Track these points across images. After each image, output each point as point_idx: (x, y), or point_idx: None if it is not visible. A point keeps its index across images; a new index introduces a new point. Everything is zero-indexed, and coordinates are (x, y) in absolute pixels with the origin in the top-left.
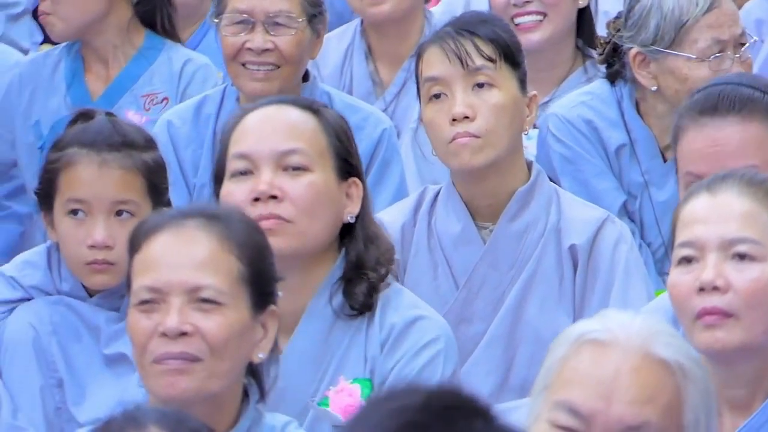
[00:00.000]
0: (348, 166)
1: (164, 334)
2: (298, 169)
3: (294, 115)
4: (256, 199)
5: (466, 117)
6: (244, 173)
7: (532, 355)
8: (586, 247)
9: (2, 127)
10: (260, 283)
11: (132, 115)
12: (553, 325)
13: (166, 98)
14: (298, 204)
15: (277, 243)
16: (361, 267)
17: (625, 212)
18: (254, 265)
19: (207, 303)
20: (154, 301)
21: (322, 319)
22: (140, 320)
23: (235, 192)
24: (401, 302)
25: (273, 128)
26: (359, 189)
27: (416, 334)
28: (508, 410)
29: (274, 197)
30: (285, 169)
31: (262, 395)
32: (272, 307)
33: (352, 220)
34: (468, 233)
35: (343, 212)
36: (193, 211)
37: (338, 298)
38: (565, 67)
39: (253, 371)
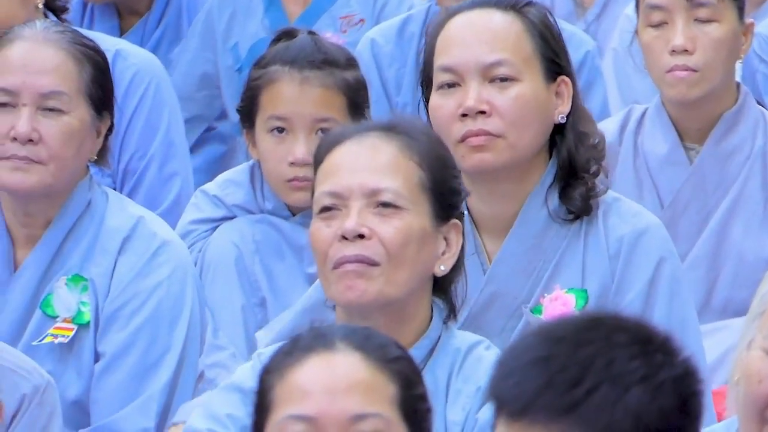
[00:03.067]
0: (556, 65)
1: (344, 237)
2: (505, 80)
3: (497, 19)
4: (464, 115)
5: (686, 50)
6: (451, 86)
7: (735, 276)
8: None
9: (207, 50)
10: (442, 193)
11: (329, 37)
12: (756, 246)
13: (362, 20)
14: (506, 117)
15: (488, 158)
16: (573, 167)
17: None
18: (435, 174)
19: (386, 207)
20: (334, 207)
21: (537, 223)
22: (321, 228)
23: (442, 106)
24: (624, 210)
25: (477, 38)
26: (569, 87)
27: (647, 246)
28: (709, 331)
29: (482, 112)
30: (492, 80)
31: (452, 313)
32: (455, 220)
33: (563, 121)
34: (675, 154)
35: (553, 114)
36: (375, 124)
37: (554, 202)
38: None
39: (443, 288)
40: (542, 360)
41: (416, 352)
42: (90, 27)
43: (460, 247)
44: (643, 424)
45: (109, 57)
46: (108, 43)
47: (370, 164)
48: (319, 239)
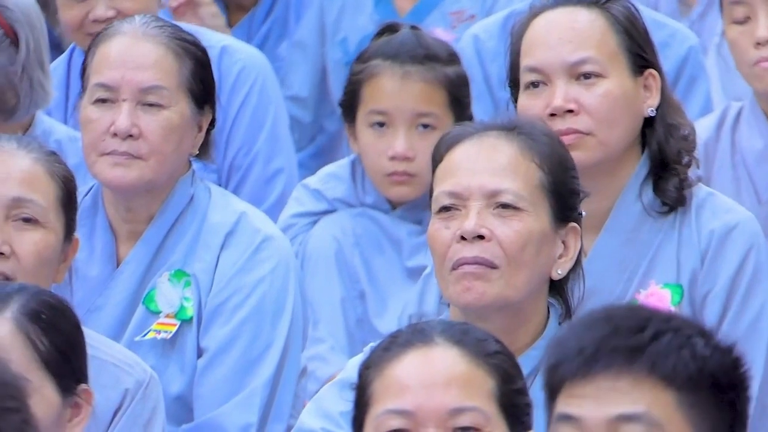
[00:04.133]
0: (642, 59)
1: (462, 238)
2: (591, 77)
3: (581, 17)
4: (552, 114)
5: None
6: (537, 86)
7: None
8: None
9: (322, 46)
10: (561, 194)
11: (440, 33)
12: None
13: (472, 15)
14: (595, 115)
15: (578, 157)
16: (664, 159)
17: None
18: (555, 176)
19: (506, 209)
20: (453, 207)
21: (631, 217)
22: (440, 229)
23: (530, 107)
24: (718, 205)
25: (561, 37)
26: (657, 80)
27: (735, 241)
28: None
29: (570, 111)
30: (578, 78)
31: (568, 313)
32: (574, 224)
33: (653, 113)
34: None
35: (642, 108)
36: (495, 123)
37: (648, 195)
38: None
39: (558, 289)
40: (602, 319)
41: (533, 353)
42: None
43: (578, 251)
44: (708, 371)
45: (215, 53)
46: (214, 38)
47: (490, 165)
48: (438, 240)
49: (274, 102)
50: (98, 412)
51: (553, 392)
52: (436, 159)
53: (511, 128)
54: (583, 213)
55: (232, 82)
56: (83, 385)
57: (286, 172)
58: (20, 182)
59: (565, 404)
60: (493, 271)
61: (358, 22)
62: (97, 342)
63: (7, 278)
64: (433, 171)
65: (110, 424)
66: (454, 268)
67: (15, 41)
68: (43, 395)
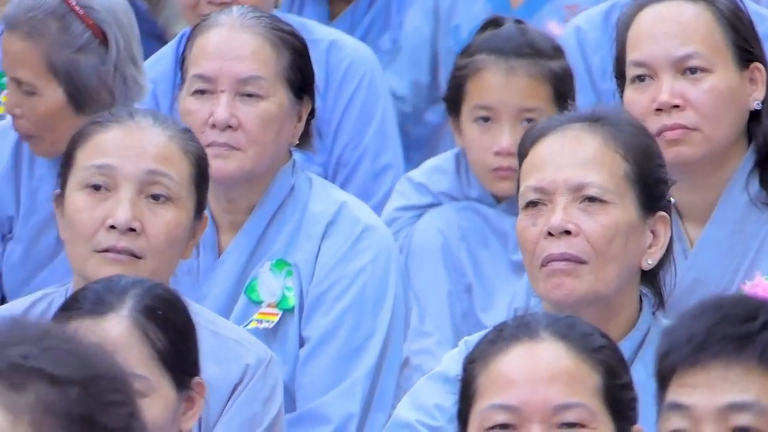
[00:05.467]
0: (748, 53)
1: (549, 234)
2: (697, 71)
3: (687, 11)
4: (659, 109)
5: None
6: (643, 80)
7: None
8: None
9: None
10: (648, 184)
11: (553, 26)
12: None
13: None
14: (701, 111)
15: (685, 152)
16: None
17: None
18: (641, 166)
19: (592, 202)
20: (540, 202)
21: (737, 209)
22: (527, 227)
23: (637, 101)
24: None
25: (667, 31)
26: (762, 73)
27: None
28: None
29: (676, 106)
30: (684, 73)
31: (661, 303)
32: (662, 213)
33: (759, 107)
34: None
35: (748, 102)
36: (579, 115)
37: (754, 187)
38: None
39: (650, 278)
40: (712, 308)
41: (626, 345)
42: (300, 13)
43: (667, 240)
44: None
45: (323, 47)
46: (322, 32)
47: (574, 158)
48: (526, 238)
49: (382, 97)
50: (218, 386)
51: (663, 381)
52: (522, 154)
53: (595, 120)
54: (672, 200)
55: (340, 77)
56: (197, 378)
57: (394, 168)
58: (155, 158)
59: (675, 393)
60: (581, 266)
61: (472, 10)
62: (218, 320)
63: (134, 256)
64: (519, 166)
65: (229, 398)
66: (543, 265)
67: (104, 41)
68: (161, 393)
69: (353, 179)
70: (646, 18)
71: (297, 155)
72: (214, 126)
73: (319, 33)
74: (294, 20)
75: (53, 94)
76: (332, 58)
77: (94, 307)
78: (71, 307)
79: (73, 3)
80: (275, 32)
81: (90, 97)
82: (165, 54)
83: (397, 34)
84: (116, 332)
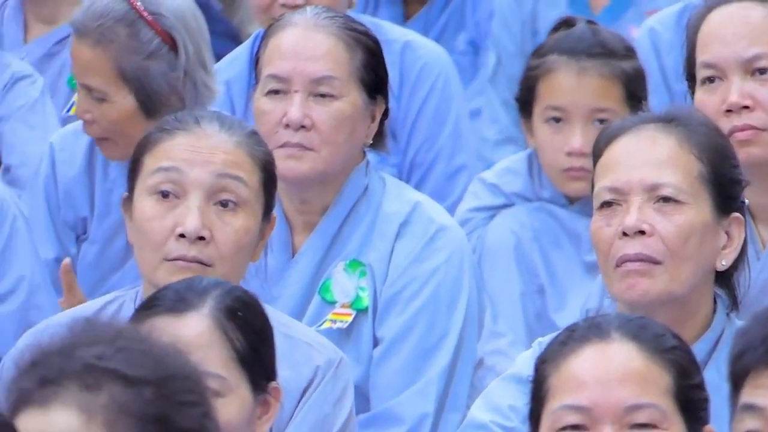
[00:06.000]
0: None
1: (624, 234)
2: (766, 72)
3: (756, 13)
4: (729, 110)
5: None
6: (712, 81)
7: None
8: None
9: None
10: (722, 184)
11: (635, 32)
12: None
13: None
14: None
15: (755, 152)
16: None
17: None
18: (715, 166)
19: (667, 202)
20: (614, 202)
21: None
22: (602, 228)
23: (707, 103)
24: None
25: (736, 32)
26: None
27: None
28: None
29: (746, 107)
30: (753, 74)
31: (735, 304)
32: (737, 214)
33: None
34: None
35: None
36: (653, 116)
37: None
38: None
39: (724, 280)
40: None
41: (700, 346)
42: (374, 14)
43: (741, 241)
44: None
45: (398, 48)
46: (396, 33)
47: (649, 158)
48: (600, 238)
49: (456, 98)
50: (289, 388)
51: (737, 383)
52: (596, 154)
53: (669, 120)
54: (746, 201)
55: (414, 79)
56: (273, 383)
57: (468, 169)
58: (222, 165)
59: (749, 394)
60: (656, 267)
61: (552, 15)
62: (289, 322)
63: (204, 264)
64: (594, 166)
65: (300, 400)
66: (617, 266)
67: (174, 47)
68: (238, 394)
69: (427, 180)
70: (715, 20)
71: (371, 156)
72: (287, 126)
73: (393, 34)
74: (368, 21)
75: (124, 101)
76: (406, 59)
77: (175, 305)
78: (151, 305)
79: (142, 9)
80: (349, 32)
81: (160, 102)
82: (240, 54)
83: (472, 35)
84: (197, 331)
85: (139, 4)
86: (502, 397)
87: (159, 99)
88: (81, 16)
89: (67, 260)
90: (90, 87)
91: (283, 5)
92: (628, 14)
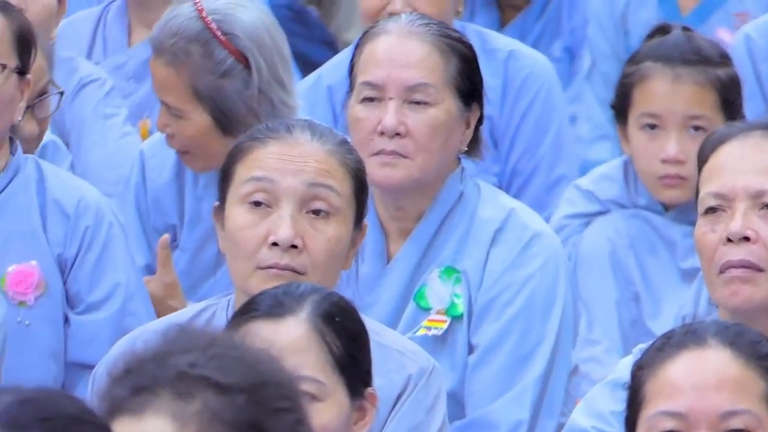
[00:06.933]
0: None
1: (729, 240)
2: None
3: None
4: None
5: None
6: None
7: None
8: None
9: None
10: None
11: (722, 34)
12: None
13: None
14: None
15: None
16: None
17: None
18: None
19: None
20: (719, 208)
21: None
22: (706, 233)
23: None
24: None
25: None
26: None
27: None
28: None
29: None
30: None
31: None
32: None
33: None
34: None
35: None
36: (760, 122)
37: None
38: None
39: None
40: None
41: None
42: (471, 20)
43: None
44: None
45: (502, 57)
46: (501, 42)
47: (754, 165)
48: (705, 244)
49: (558, 108)
50: (382, 396)
51: None
52: (702, 160)
53: None
54: None
55: (517, 88)
56: (370, 389)
57: (568, 179)
58: (315, 174)
59: None
60: (759, 274)
61: (641, 16)
62: (381, 330)
63: (296, 272)
64: (699, 172)
65: (393, 408)
66: (721, 272)
67: (248, 65)
68: (335, 399)
69: (527, 190)
70: None
71: (472, 165)
72: (382, 134)
73: (497, 42)
74: (471, 29)
75: (199, 118)
76: (510, 68)
77: (272, 310)
78: (248, 310)
79: (216, 28)
80: (443, 39)
81: (236, 120)
82: (342, 61)
83: (567, 42)
84: (295, 335)
85: (213, 24)
86: (604, 402)
87: (234, 117)
88: (157, 33)
89: (165, 236)
90: (167, 104)
91: (391, 14)
92: (716, 16)
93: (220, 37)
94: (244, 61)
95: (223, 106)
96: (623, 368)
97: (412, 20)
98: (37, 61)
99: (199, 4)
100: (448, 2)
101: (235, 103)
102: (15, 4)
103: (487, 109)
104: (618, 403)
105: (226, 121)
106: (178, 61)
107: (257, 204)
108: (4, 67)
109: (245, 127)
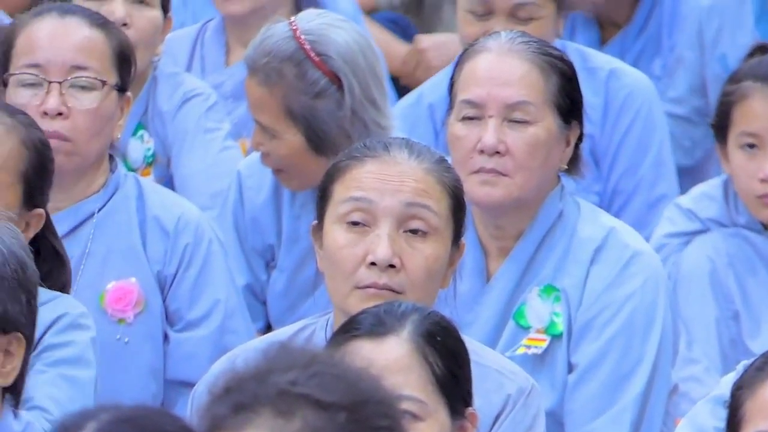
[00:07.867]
0: None
1: None
2: None
3: None
4: None
5: None
6: None
7: None
8: None
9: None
10: None
11: None
12: None
13: None
14: None
15: None
16: None
17: None
18: None
19: None
20: None
21: None
22: None
23: None
24: None
25: None
26: None
27: None
28: None
29: None
30: None
31: None
32: None
33: None
34: None
35: None
36: None
37: None
38: None
39: None
40: None
41: None
42: (571, 38)
43: None
44: None
45: (603, 75)
46: (601, 60)
47: None
48: None
49: (659, 127)
50: (481, 416)
51: None
52: None
53: None
54: None
55: (618, 106)
56: (470, 408)
57: (669, 198)
58: (412, 193)
59: None
60: None
61: (737, 39)
62: (480, 350)
63: (394, 291)
64: None
65: (491, 428)
66: None
67: (341, 87)
68: (437, 418)
69: (628, 208)
70: None
71: (573, 184)
72: (482, 152)
73: (598, 61)
74: (572, 47)
75: (293, 138)
76: (611, 87)
77: (374, 329)
78: (349, 329)
79: (309, 49)
80: (543, 57)
81: (329, 141)
82: (442, 79)
83: (667, 60)
84: (396, 354)
85: (307, 44)
86: (707, 418)
87: (327, 137)
88: (251, 52)
89: None
90: (261, 123)
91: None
92: None
93: (314, 58)
94: (337, 81)
95: (315, 126)
96: (726, 385)
97: (512, 38)
98: None
99: (293, 24)
100: (548, 26)
101: (328, 124)
102: (120, 19)
103: (588, 128)
104: (720, 421)
105: (318, 141)
106: (271, 81)
107: (355, 224)
108: (104, 83)
109: (338, 148)
